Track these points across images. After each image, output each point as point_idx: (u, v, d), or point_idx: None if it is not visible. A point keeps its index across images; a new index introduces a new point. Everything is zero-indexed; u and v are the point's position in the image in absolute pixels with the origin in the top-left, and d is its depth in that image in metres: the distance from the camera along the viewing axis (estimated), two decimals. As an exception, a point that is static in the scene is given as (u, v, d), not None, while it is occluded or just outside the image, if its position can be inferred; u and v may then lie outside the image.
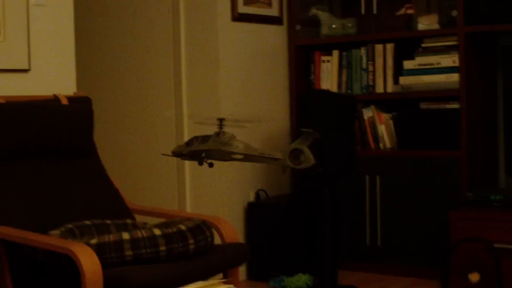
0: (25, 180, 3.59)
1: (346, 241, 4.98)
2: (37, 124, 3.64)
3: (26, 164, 3.64)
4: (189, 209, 4.86)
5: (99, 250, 3.11)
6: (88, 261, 3.01)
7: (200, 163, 3.44)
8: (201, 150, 3.46)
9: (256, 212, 4.88)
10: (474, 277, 4.24)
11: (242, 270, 4.82)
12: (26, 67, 3.93)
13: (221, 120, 3.29)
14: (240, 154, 3.34)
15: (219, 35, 4.80)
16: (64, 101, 3.85)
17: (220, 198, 4.81)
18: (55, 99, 3.86)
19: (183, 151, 3.52)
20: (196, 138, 3.55)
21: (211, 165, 3.44)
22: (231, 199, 4.86)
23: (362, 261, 4.97)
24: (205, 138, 3.51)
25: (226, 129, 3.49)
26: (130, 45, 5.16)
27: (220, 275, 3.50)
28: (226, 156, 3.40)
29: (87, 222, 3.49)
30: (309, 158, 3.24)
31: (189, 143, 3.51)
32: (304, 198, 4.89)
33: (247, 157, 3.34)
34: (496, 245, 4.23)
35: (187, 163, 4.87)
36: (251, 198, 4.98)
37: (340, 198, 4.82)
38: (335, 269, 4.47)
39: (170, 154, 3.57)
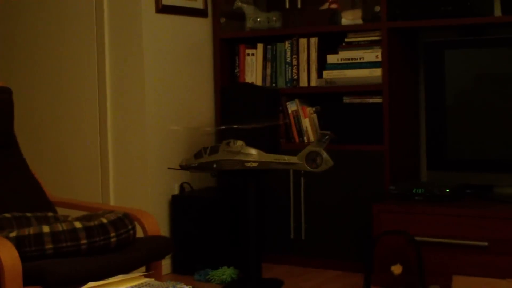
0: None
1: (271, 235, 4.99)
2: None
3: None
4: (112, 202, 4.81)
5: (19, 243, 3.07)
6: (7, 254, 2.97)
7: (213, 175, 3.42)
8: (212, 162, 3.47)
9: (180, 205, 4.85)
10: (397, 269, 4.29)
11: (166, 264, 4.80)
12: None
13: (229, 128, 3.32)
14: (255, 161, 3.37)
15: (143, 26, 4.75)
16: (-17, 92, 3.77)
17: (144, 190, 4.77)
18: (-27, 89, 3.78)
19: (192, 164, 3.55)
20: (204, 149, 3.58)
21: (214, 174, 3.43)
22: (156, 192, 4.82)
23: (286, 254, 4.98)
24: (213, 149, 3.54)
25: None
26: (53, 35, 5.07)
27: (143, 269, 3.48)
28: (238, 164, 3.44)
29: (7, 215, 3.42)
30: (327, 161, 3.29)
31: (197, 155, 3.54)
32: (229, 191, 4.88)
33: (262, 164, 3.39)
34: (417, 238, 4.29)
35: (111, 154, 4.81)
36: (176, 190, 4.94)
37: (263, 191, 4.82)
38: (259, 262, 4.48)
39: (178, 167, 3.57)
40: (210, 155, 3.46)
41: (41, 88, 5.12)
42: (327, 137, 3.12)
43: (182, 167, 3.45)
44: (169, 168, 3.55)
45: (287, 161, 3.25)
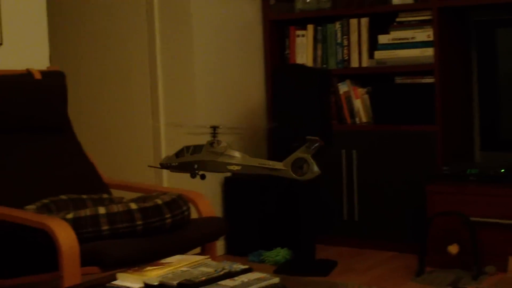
0: (-1, 155, 3.55)
1: (323, 216, 4.97)
2: (9, 98, 3.60)
3: (0, 139, 3.59)
4: (166, 183, 4.83)
5: (76, 224, 3.09)
6: (65, 235, 2.99)
7: (193, 176, 3.26)
8: (193, 162, 3.25)
9: (233, 187, 4.86)
10: (454, 249, 4.26)
11: (220, 245, 4.81)
12: (-2, 41, 3.88)
13: (214, 128, 3.13)
14: (237, 165, 3.16)
15: (193, 9, 4.75)
16: (37, 76, 3.81)
17: (197, 173, 4.77)
18: (28, 73, 3.82)
19: (173, 163, 3.30)
20: (187, 148, 3.32)
21: (203, 177, 3.26)
22: (208, 173, 4.81)
23: (339, 236, 4.97)
24: (196, 148, 3.29)
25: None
26: (104, 19, 5.10)
27: (198, 250, 3.49)
28: (221, 167, 3.20)
29: (63, 197, 3.46)
30: (313, 168, 3.06)
31: (179, 153, 3.30)
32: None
33: (245, 168, 3.13)
34: (472, 219, 4.25)
35: (163, 137, 4.84)
36: (228, 173, 4.94)
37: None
38: (313, 243, 4.47)
39: (158, 166, 3.37)
40: (192, 154, 3.22)
41: (94, 72, 5.16)
42: (316, 144, 2.98)
43: (163, 166, 3.31)
44: (149, 166, 3.45)
45: (271, 167, 3.07)
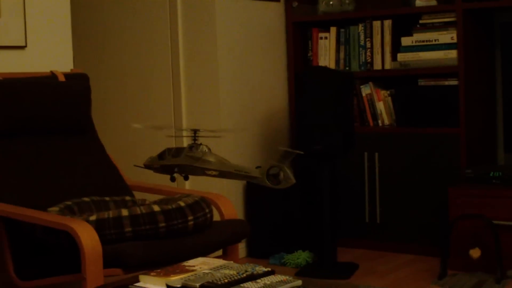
0: (23, 157, 3.58)
1: (345, 218, 4.97)
2: (34, 101, 3.62)
3: (24, 141, 3.62)
4: (188, 186, 4.84)
5: (99, 226, 3.10)
6: (88, 237, 3.01)
7: (172, 179, 3.13)
8: (173, 165, 3.21)
9: (255, 189, 4.87)
10: (475, 252, 4.24)
11: (242, 247, 4.82)
12: (23, 44, 3.89)
13: (195, 131, 3.11)
14: (215, 170, 3.12)
15: (217, 12, 4.76)
16: (61, 78, 3.83)
17: (219, 175, 4.78)
18: (52, 76, 3.84)
19: (154, 165, 3.25)
20: (169, 150, 3.29)
21: (186, 178, 3.16)
22: (229, 177, 4.83)
23: (361, 238, 4.96)
24: (178, 151, 3.26)
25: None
26: (126, 21, 5.12)
27: (220, 252, 3.50)
28: (199, 172, 3.14)
29: (86, 199, 3.47)
30: (288, 178, 3.04)
31: (161, 155, 3.28)
32: (303, 175, 4.87)
33: (222, 174, 3.10)
34: (495, 222, 4.23)
35: (185, 139, 4.84)
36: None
37: (338, 175, 4.81)
38: (334, 246, 4.47)
39: (142, 166, 3.31)
40: (173, 157, 3.19)
41: (116, 74, 5.17)
42: (291, 154, 2.97)
43: (146, 166, 3.26)
44: (134, 166, 3.41)
45: (247, 174, 3.08)
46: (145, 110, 5.05)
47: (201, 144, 3.19)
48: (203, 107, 4.83)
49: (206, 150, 3.15)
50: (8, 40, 3.83)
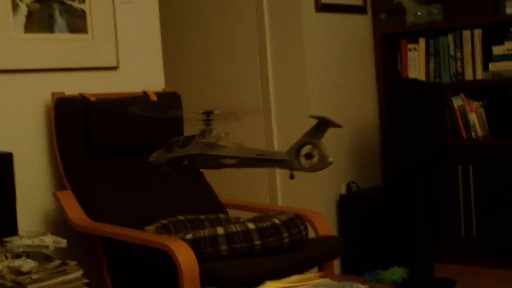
0: (119, 177, 3.62)
1: (441, 233, 4.88)
2: (127, 120, 3.65)
3: (119, 161, 3.66)
4: (280, 202, 4.83)
5: (195, 245, 3.10)
6: (185, 256, 3.01)
7: (180, 175, 2.68)
8: (183, 157, 2.72)
9: (348, 205, 4.82)
10: None
11: (336, 264, 4.77)
12: (115, 65, 3.94)
13: (208, 113, 2.65)
14: (232, 157, 2.62)
15: (303, 26, 4.75)
16: (153, 97, 3.86)
17: (311, 191, 4.76)
18: (144, 95, 3.87)
19: (161, 160, 2.78)
20: (177, 140, 2.81)
21: (199, 176, 2.75)
22: (322, 192, 4.81)
23: (457, 253, 4.85)
24: (188, 140, 2.77)
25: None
26: (216, 39, 5.15)
27: (315, 269, 3.46)
28: (214, 162, 2.64)
29: (181, 218, 3.48)
30: (324, 158, 2.44)
31: (168, 147, 2.81)
32: (397, 189, 4.80)
33: (242, 162, 2.58)
34: None
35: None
36: (343, 190, 4.92)
37: (434, 188, 4.72)
38: (431, 261, 4.39)
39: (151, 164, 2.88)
40: (182, 147, 2.70)
41: (207, 92, 5.20)
42: (326, 125, 2.36)
43: (151, 164, 2.80)
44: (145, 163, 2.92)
45: (273, 157, 2.49)
46: (234, 129, 5.05)
47: (214, 130, 2.71)
48: (292, 121, 4.81)
49: (222, 135, 2.69)
50: (101, 61, 3.88)
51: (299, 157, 2.47)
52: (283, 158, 2.51)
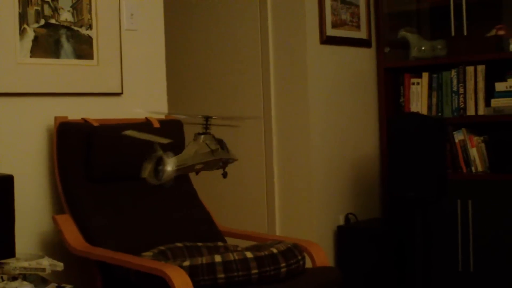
0: (118, 201, 3.63)
1: (438, 267, 4.88)
2: (129, 146, 3.67)
3: (119, 186, 3.68)
4: (278, 232, 4.84)
5: (192, 272, 3.11)
6: (181, 283, 3.01)
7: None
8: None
9: (346, 236, 4.83)
10: None
11: (333, 295, 4.77)
12: (119, 91, 3.97)
13: (207, 118, 2.70)
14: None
15: (308, 58, 4.78)
16: (156, 124, 3.88)
17: (309, 221, 4.78)
18: (147, 122, 3.90)
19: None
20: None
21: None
22: (321, 223, 4.82)
23: (454, 287, 4.85)
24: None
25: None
26: (220, 69, 5.19)
27: (311, 300, 3.47)
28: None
29: (179, 245, 3.49)
30: (167, 172, 2.51)
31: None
32: (395, 222, 4.81)
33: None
34: None
35: (276, 186, 4.85)
36: (341, 221, 4.93)
37: (431, 222, 4.73)
38: (428, 294, 4.40)
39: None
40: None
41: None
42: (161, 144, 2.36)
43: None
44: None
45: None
46: (236, 153, 5.07)
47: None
48: (293, 152, 4.84)
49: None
50: (105, 87, 3.91)
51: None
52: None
